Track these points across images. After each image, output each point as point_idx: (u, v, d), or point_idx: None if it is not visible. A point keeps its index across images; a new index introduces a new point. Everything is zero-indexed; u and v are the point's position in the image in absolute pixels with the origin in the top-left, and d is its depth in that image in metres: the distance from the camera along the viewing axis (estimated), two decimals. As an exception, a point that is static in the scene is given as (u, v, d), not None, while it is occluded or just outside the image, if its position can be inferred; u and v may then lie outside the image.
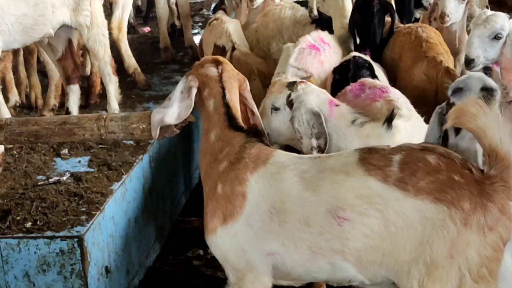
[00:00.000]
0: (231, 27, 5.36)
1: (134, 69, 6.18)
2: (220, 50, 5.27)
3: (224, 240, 3.03)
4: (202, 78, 3.20)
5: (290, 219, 2.89)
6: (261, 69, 5.10)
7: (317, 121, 3.47)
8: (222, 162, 3.09)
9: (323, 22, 5.28)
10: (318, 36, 4.69)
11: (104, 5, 5.19)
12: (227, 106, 3.17)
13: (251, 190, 2.97)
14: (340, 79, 4.23)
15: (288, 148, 3.70)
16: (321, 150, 3.43)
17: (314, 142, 3.44)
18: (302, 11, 5.60)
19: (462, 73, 5.06)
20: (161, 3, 7.30)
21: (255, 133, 3.18)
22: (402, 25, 5.15)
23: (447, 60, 4.53)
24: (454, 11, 4.93)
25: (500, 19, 4.18)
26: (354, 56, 4.33)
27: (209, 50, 5.46)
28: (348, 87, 3.94)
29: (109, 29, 5.56)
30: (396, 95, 3.74)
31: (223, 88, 3.19)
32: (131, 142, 4.66)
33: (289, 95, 3.62)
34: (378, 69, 4.45)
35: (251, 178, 2.99)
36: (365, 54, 4.54)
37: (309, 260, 2.92)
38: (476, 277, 2.69)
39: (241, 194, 2.98)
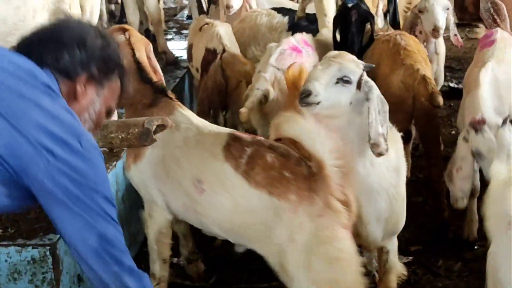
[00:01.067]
0: (222, 30, 5.35)
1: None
2: (211, 53, 5.24)
3: (136, 175, 3.63)
4: None
5: (171, 175, 3.43)
6: (247, 71, 5.08)
7: (383, 109, 3.32)
8: (140, 111, 3.56)
9: (300, 29, 5.28)
10: (302, 38, 4.67)
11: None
12: (137, 63, 3.69)
13: None
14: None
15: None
16: (384, 138, 3.28)
17: (381, 129, 3.26)
18: (278, 18, 5.62)
19: (435, 80, 5.12)
20: (131, 9, 7.17)
21: (161, 89, 3.69)
22: (381, 33, 5.17)
23: (425, 68, 4.53)
24: (444, 23, 4.98)
25: None
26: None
27: (200, 54, 5.43)
28: None
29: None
30: None
31: (132, 49, 3.73)
32: (105, 148, 4.57)
33: (362, 75, 3.32)
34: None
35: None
36: None
37: (183, 212, 3.46)
38: (324, 258, 3.01)
39: None
